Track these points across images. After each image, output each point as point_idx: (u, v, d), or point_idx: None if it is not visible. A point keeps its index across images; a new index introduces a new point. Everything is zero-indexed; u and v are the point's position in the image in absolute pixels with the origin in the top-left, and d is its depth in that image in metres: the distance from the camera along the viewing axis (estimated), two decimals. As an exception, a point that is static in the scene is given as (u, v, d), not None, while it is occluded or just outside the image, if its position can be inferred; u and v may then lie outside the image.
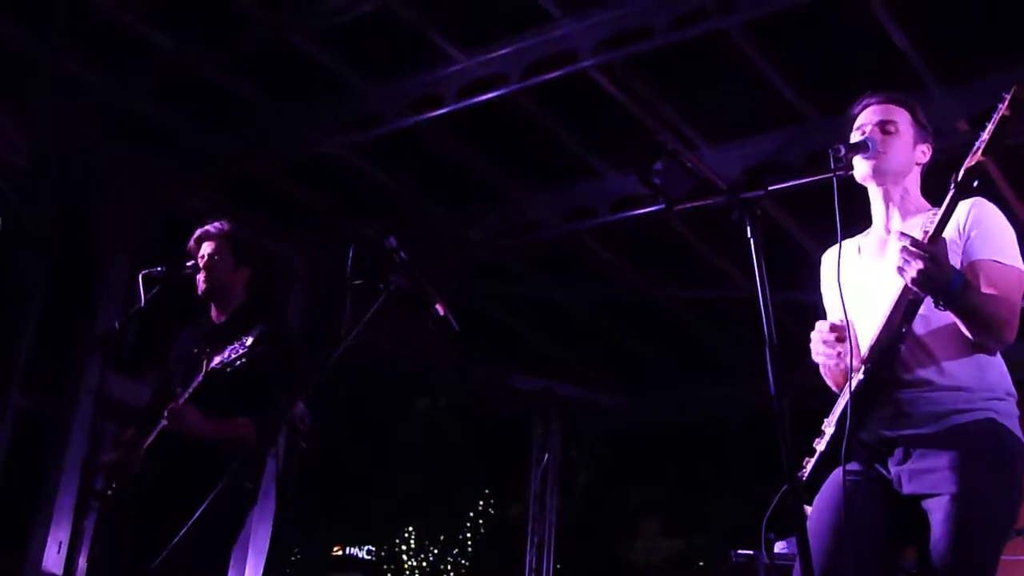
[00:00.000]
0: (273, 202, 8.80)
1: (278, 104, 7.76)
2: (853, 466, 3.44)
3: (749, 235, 3.14)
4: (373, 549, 25.63)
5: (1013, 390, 3.46)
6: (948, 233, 3.35)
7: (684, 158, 7.23)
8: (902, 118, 3.65)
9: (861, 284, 3.57)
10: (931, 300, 3.29)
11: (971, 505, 3.23)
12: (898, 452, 3.41)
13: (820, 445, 3.50)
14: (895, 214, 3.66)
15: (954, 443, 3.31)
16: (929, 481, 3.32)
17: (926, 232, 3.25)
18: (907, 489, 3.38)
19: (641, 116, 7.30)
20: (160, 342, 5.43)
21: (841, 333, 3.46)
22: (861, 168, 3.60)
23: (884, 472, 3.45)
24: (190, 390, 4.80)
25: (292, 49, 7.11)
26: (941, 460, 3.31)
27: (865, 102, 3.71)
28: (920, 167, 3.70)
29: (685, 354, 11.18)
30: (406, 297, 3.94)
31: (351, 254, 3.84)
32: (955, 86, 6.74)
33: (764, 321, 3.11)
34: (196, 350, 4.89)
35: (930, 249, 3.17)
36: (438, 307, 3.97)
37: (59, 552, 7.13)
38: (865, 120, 3.66)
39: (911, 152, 3.65)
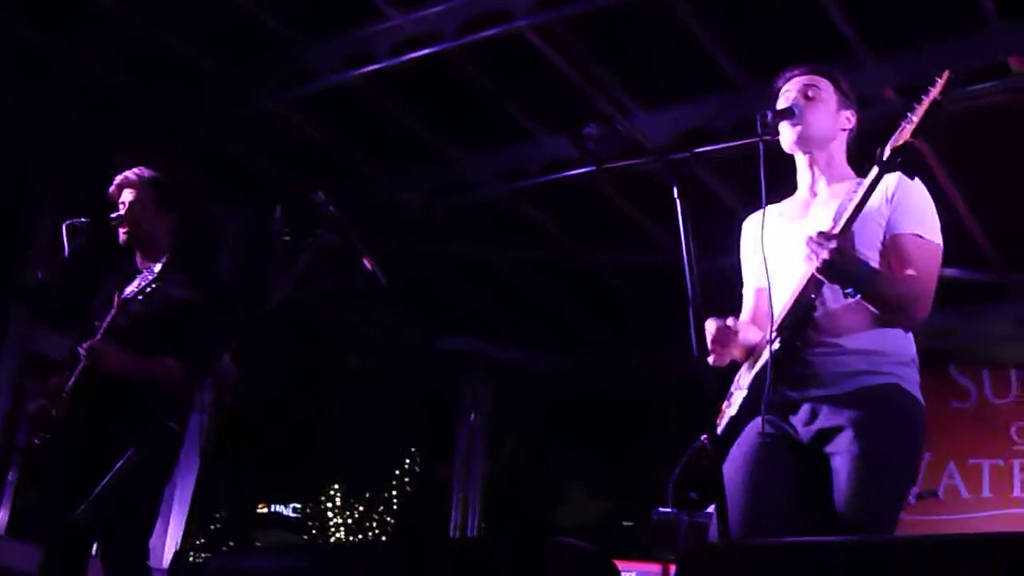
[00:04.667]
0: (206, 159, 8.69)
1: (213, 61, 7.66)
2: (762, 427, 3.52)
3: (676, 196, 3.17)
4: (299, 507, 25.61)
5: (916, 357, 3.56)
6: (874, 202, 3.43)
7: (616, 122, 7.30)
8: (824, 86, 3.74)
9: (780, 246, 3.63)
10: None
11: (874, 465, 3.34)
12: (804, 411, 3.51)
13: (730, 408, 3.58)
14: (820, 180, 3.73)
15: (859, 404, 3.43)
16: (835, 441, 3.42)
17: (837, 216, 3.32)
18: (812, 447, 3.47)
19: (576, 78, 7.30)
20: (85, 295, 5.35)
21: (724, 334, 3.60)
22: (786, 135, 3.66)
23: (791, 431, 3.54)
24: (104, 324, 4.71)
25: (226, 5, 7.01)
26: (847, 419, 3.41)
27: (788, 74, 3.81)
28: (846, 133, 3.76)
29: (615, 318, 11.23)
30: (335, 253, 3.93)
31: (279, 209, 3.83)
32: (886, 55, 6.81)
33: (689, 283, 3.16)
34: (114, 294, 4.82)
35: (837, 242, 3.25)
36: (365, 261, 3.97)
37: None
38: (789, 87, 3.73)
39: (835, 118, 3.73)
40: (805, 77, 3.76)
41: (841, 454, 3.41)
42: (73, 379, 4.82)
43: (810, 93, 3.71)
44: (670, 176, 3.19)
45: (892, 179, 3.48)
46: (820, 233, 3.30)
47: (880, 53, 6.80)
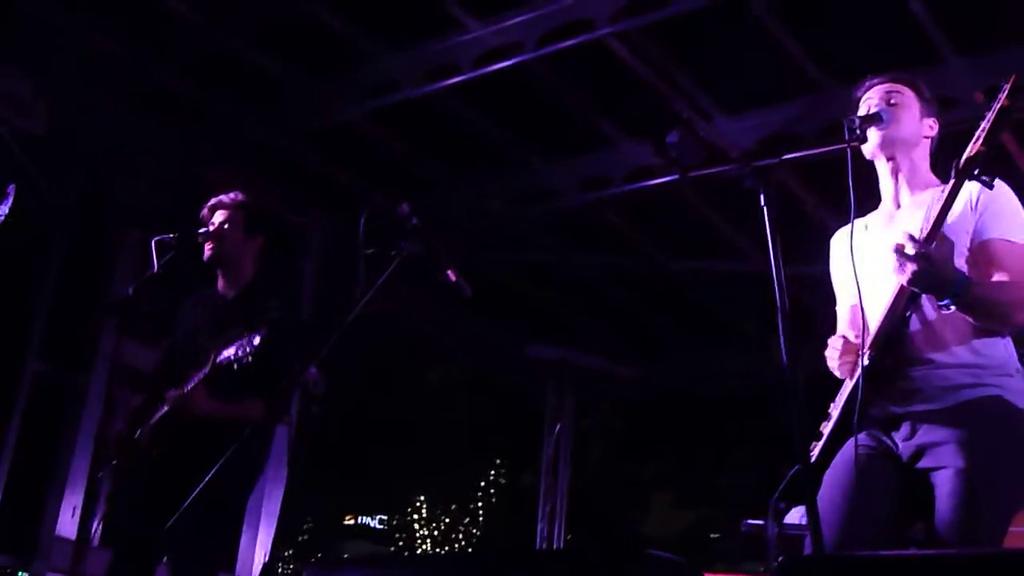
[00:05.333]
0: (290, 172, 8.80)
1: (295, 73, 7.74)
2: (864, 440, 3.45)
3: (762, 203, 3.13)
4: (385, 518, 25.77)
5: (1021, 367, 3.47)
6: (957, 211, 3.37)
7: (699, 128, 7.25)
8: (907, 92, 3.69)
9: (868, 260, 3.57)
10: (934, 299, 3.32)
11: (978, 479, 3.25)
12: (905, 427, 3.45)
13: (827, 426, 3.53)
14: (904, 188, 3.67)
15: (962, 418, 3.34)
16: (937, 455, 3.35)
17: (924, 225, 3.25)
18: (915, 463, 3.40)
19: (657, 85, 7.27)
20: (173, 308, 5.44)
21: (849, 344, 3.54)
22: (871, 139, 3.60)
23: (893, 446, 3.47)
24: (196, 380, 4.80)
25: (308, 17, 7.09)
26: (949, 435, 3.34)
27: (869, 83, 3.75)
28: (928, 141, 3.70)
29: (699, 326, 11.17)
30: (419, 264, 3.94)
31: (363, 221, 3.84)
32: (973, 57, 6.69)
33: (777, 290, 3.12)
34: (202, 337, 4.88)
35: (923, 250, 3.17)
36: (449, 273, 3.97)
37: (73, 517, 7.17)
38: (870, 95, 3.69)
39: (918, 124, 3.67)
40: (887, 84, 3.70)
41: (943, 469, 3.32)
42: (160, 414, 4.92)
43: (893, 99, 3.64)
44: (756, 183, 3.15)
45: (975, 186, 3.39)
46: (909, 239, 3.22)
47: (967, 55, 6.68)
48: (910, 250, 3.18)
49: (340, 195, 8.96)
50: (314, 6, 6.98)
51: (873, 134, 3.59)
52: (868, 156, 3.67)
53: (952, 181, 3.23)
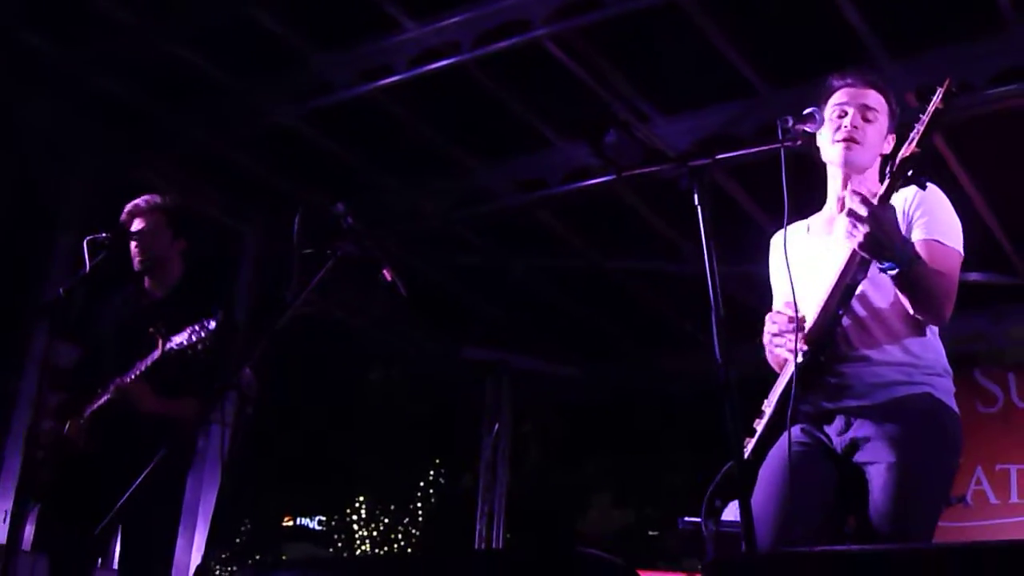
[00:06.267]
0: (226, 173, 8.73)
1: (229, 75, 7.67)
2: (797, 435, 3.49)
3: (697, 203, 3.15)
4: (324, 519, 25.66)
5: (949, 368, 3.58)
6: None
7: (635, 129, 7.28)
8: (881, 107, 3.70)
9: (807, 262, 3.64)
10: (877, 269, 3.34)
11: (909, 474, 3.34)
12: (838, 422, 3.50)
13: (760, 423, 3.56)
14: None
15: (894, 414, 3.43)
16: (870, 450, 3.42)
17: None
18: (850, 456, 3.46)
19: (594, 87, 7.29)
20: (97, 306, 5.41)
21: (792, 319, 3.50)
22: (834, 152, 3.64)
23: (827, 440, 3.52)
24: (143, 367, 4.77)
25: (243, 19, 7.03)
26: (881, 430, 3.41)
27: (849, 79, 3.73)
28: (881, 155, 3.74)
29: (637, 325, 11.21)
30: (356, 265, 3.93)
31: (298, 221, 3.82)
32: (905, 58, 6.77)
33: (711, 290, 3.13)
34: (149, 327, 4.83)
35: (877, 210, 3.19)
36: (385, 272, 3.96)
37: (3, 521, 7.07)
38: (847, 99, 3.69)
39: (882, 143, 3.70)
40: (865, 91, 3.69)
41: (875, 464, 3.41)
42: (95, 407, 4.87)
43: (869, 116, 3.66)
44: (690, 182, 3.17)
45: (908, 191, 3.46)
46: (863, 199, 3.22)
47: (899, 56, 6.76)
48: (862, 211, 3.19)
49: (275, 197, 8.90)
50: (249, 8, 6.93)
51: (837, 149, 3.63)
52: (825, 160, 3.71)
53: (887, 182, 3.26)
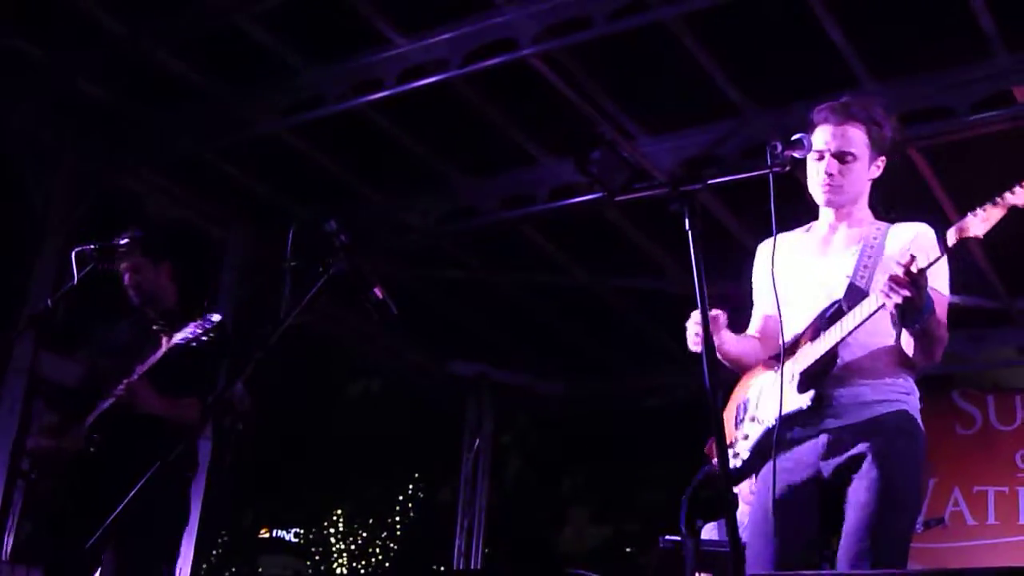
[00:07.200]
0: (212, 183, 8.73)
1: (219, 85, 7.70)
2: (783, 466, 3.55)
3: (687, 227, 3.17)
4: (301, 532, 25.54)
5: (916, 389, 3.69)
6: (891, 253, 3.59)
7: (621, 148, 7.32)
8: (860, 142, 3.73)
9: (796, 277, 3.68)
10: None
11: (890, 490, 3.44)
12: (821, 442, 3.55)
13: (746, 441, 3.63)
14: (842, 222, 3.79)
15: (873, 431, 3.53)
16: (850, 467, 3.52)
17: (912, 258, 3.31)
18: (832, 480, 3.52)
19: (580, 105, 7.33)
20: (91, 319, 5.42)
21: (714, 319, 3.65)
22: (818, 195, 3.75)
23: (812, 468, 3.58)
24: (148, 364, 4.79)
25: (234, 30, 7.06)
26: (861, 447, 3.53)
27: (825, 116, 3.76)
28: (871, 181, 3.80)
29: (618, 342, 11.24)
30: (344, 280, 3.94)
31: (291, 236, 3.83)
32: (889, 81, 6.84)
33: (700, 311, 3.16)
34: (154, 328, 4.88)
35: (919, 280, 3.29)
36: (376, 291, 3.97)
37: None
38: (824, 143, 3.72)
39: (866, 174, 3.77)
40: (841, 130, 3.71)
41: (859, 479, 3.49)
42: (96, 414, 4.88)
43: (847, 160, 3.70)
44: (682, 206, 3.19)
45: (907, 235, 3.62)
46: (907, 271, 3.29)
47: (884, 80, 6.83)
48: (903, 282, 3.27)
49: (261, 208, 8.91)
50: (240, 19, 6.96)
51: (820, 194, 3.73)
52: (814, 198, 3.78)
53: (941, 256, 3.34)
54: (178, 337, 4.73)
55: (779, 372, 3.60)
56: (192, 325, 4.70)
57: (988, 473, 10.22)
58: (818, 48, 6.59)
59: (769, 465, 3.57)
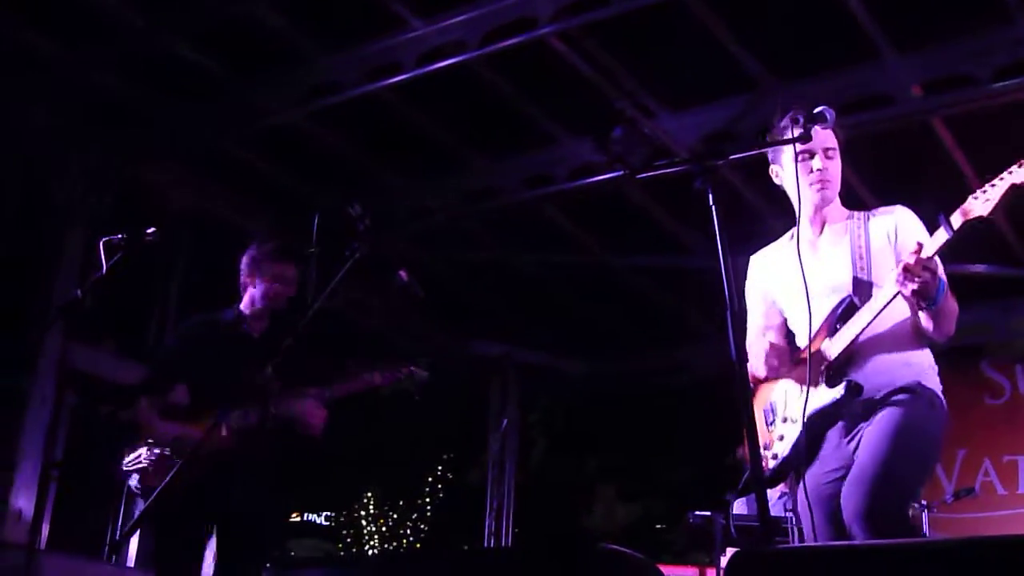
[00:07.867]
0: (233, 173, 8.75)
1: (237, 74, 7.70)
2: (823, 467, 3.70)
3: (711, 203, 3.17)
4: (331, 515, 25.61)
5: (936, 364, 3.78)
6: (879, 243, 3.72)
7: (642, 125, 7.30)
8: (832, 140, 3.88)
9: (799, 281, 3.71)
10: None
11: (899, 427, 3.53)
12: (844, 425, 3.70)
13: (782, 442, 3.69)
14: (823, 222, 3.89)
15: (893, 398, 3.62)
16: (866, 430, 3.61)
17: (920, 245, 3.39)
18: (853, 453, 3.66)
19: (599, 83, 7.31)
20: (120, 309, 5.38)
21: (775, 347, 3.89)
22: (811, 192, 3.86)
23: (847, 458, 3.66)
24: (337, 393, 5.26)
25: (252, 19, 7.06)
26: (881, 412, 3.61)
27: (797, 119, 3.79)
28: None
29: (642, 320, 11.23)
30: (368, 264, 3.95)
31: (316, 222, 3.85)
32: (910, 51, 6.79)
33: (725, 286, 3.16)
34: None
35: (930, 265, 3.38)
36: (402, 273, 3.99)
37: (19, 522, 7.07)
38: (815, 142, 3.77)
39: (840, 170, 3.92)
40: (825, 133, 3.80)
41: (871, 425, 3.58)
42: (244, 415, 4.83)
43: (830, 155, 3.85)
44: (704, 183, 3.19)
45: (889, 222, 3.74)
46: (917, 259, 3.37)
47: (904, 51, 6.78)
48: (917, 269, 3.37)
49: (283, 196, 8.92)
50: (256, 7, 6.95)
51: (814, 191, 3.84)
52: (798, 191, 3.80)
53: (943, 234, 3.41)
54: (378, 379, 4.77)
55: (807, 370, 3.65)
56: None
57: (1018, 442, 10.18)
58: (839, 19, 6.55)
59: (810, 470, 3.69)
